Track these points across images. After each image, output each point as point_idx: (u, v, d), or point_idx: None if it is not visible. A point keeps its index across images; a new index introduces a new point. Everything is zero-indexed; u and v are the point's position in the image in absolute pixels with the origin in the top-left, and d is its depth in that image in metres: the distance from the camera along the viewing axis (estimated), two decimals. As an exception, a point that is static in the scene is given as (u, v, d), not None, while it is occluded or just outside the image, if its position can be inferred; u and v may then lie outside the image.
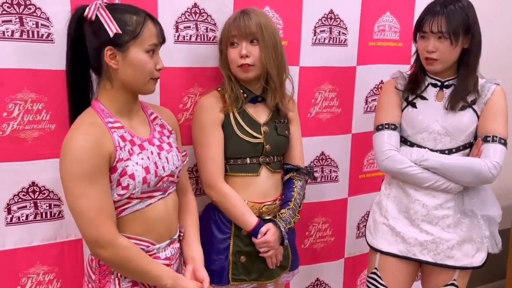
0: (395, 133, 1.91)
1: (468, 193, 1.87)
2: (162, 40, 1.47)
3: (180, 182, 1.66)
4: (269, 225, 1.80)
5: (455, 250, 1.88)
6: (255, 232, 1.79)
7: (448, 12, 1.77)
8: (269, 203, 1.85)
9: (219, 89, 1.85)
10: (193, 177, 1.98)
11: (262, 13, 1.83)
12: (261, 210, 1.83)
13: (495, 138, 1.80)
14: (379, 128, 1.94)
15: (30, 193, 1.68)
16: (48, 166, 1.66)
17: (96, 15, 1.39)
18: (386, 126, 1.92)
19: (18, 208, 1.67)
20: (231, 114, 1.80)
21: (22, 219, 1.68)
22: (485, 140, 1.82)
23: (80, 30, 1.41)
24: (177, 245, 1.59)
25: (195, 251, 1.64)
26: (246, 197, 1.82)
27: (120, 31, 1.37)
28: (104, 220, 1.37)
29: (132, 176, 1.41)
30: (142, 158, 1.44)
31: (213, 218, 1.85)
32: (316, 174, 2.30)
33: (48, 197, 1.70)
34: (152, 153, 1.49)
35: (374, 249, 2.01)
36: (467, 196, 1.87)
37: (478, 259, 1.90)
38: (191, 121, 1.91)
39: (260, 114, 1.87)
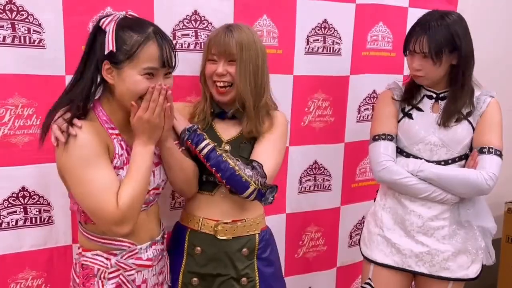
0: (392, 143, 1.91)
1: (464, 204, 1.87)
2: (163, 63, 1.40)
3: None
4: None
5: (450, 262, 1.87)
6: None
7: (430, 31, 1.76)
8: (226, 221, 1.70)
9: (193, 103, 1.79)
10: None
11: (249, 31, 1.70)
12: (216, 229, 1.69)
13: (491, 150, 1.80)
14: (375, 138, 1.93)
15: (20, 198, 1.68)
16: (39, 171, 1.66)
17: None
18: (383, 136, 1.91)
19: (8, 214, 1.66)
20: None
21: (12, 225, 1.68)
22: (481, 151, 1.82)
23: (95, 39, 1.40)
24: (160, 246, 1.59)
25: None
26: (203, 214, 1.71)
27: (113, 49, 1.35)
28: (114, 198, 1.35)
29: None
30: None
31: (174, 233, 1.80)
32: (309, 183, 2.28)
33: (38, 202, 1.70)
34: None
35: (368, 260, 2.00)
36: (463, 207, 1.86)
37: (473, 271, 1.90)
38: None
39: (228, 130, 1.74)
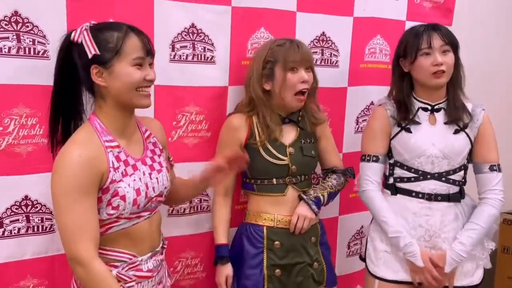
0: (378, 165, 1.96)
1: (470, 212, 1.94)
2: (147, 52, 1.45)
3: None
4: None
5: (456, 270, 1.89)
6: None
7: (441, 28, 1.86)
8: None
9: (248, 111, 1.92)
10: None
11: None
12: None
13: (494, 168, 1.91)
14: (362, 158, 2.00)
15: (23, 207, 1.70)
16: (41, 180, 1.68)
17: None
18: (368, 158, 1.97)
19: (11, 222, 1.68)
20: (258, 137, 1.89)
21: (14, 233, 1.69)
22: (487, 169, 1.90)
23: (70, 53, 1.44)
24: (160, 257, 1.60)
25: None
26: (276, 212, 1.90)
27: (97, 52, 1.39)
28: (84, 238, 1.37)
29: (123, 198, 1.43)
30: (134, 180, 1.46)
31: (245, 233, 1.93)
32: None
33: (41, 211, 1.72)
34: (144, 173, 1.50)
35: (375, 277, 1.98)
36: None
37: (477, 277, 1.93)
38: (184, 138, 1.95)
39: (286, 134, 1.92)
